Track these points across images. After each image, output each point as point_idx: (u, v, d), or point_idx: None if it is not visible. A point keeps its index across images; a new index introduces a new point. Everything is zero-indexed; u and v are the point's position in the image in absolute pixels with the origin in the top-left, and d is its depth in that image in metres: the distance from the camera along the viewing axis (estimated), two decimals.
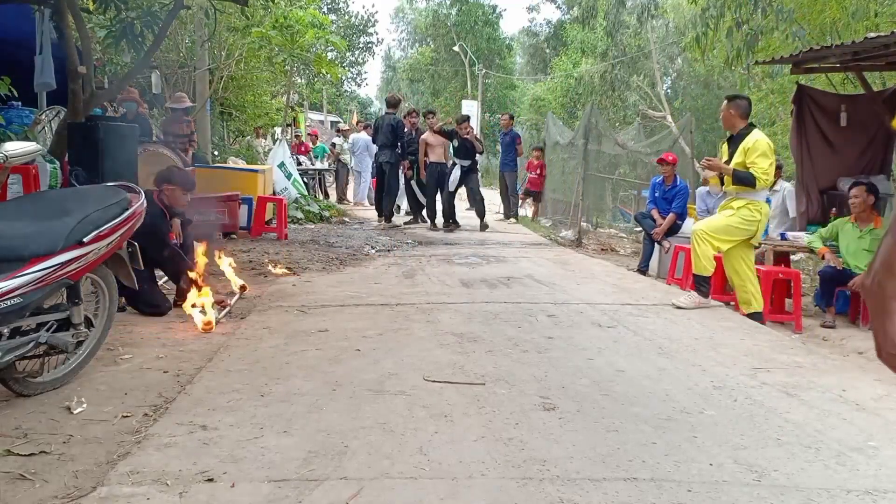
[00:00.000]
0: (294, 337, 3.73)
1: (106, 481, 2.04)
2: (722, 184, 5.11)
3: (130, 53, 7.76)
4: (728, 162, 4.81)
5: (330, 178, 15.14)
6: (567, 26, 29.13)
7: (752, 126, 4.85)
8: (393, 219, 10.17)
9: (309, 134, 16.72)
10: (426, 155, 9.83)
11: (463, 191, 10.12)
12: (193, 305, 4.10)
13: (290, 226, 8.78)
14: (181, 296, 4.47)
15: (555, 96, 25.80)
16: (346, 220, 10.63)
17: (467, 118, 10.12)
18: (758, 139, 4.71)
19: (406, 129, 10.03)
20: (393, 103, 10.02)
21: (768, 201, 5.19)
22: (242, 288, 4.93)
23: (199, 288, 4.17)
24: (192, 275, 4.24)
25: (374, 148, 12.09)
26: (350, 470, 2.14)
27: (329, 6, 23.95)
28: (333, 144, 15.60)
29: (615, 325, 4.24)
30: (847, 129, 7.10)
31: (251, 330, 3.88)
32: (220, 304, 4.52)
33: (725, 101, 5.00)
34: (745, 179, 4.68)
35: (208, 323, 3.91)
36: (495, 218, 11.86)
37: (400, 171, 10.25)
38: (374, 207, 12.43)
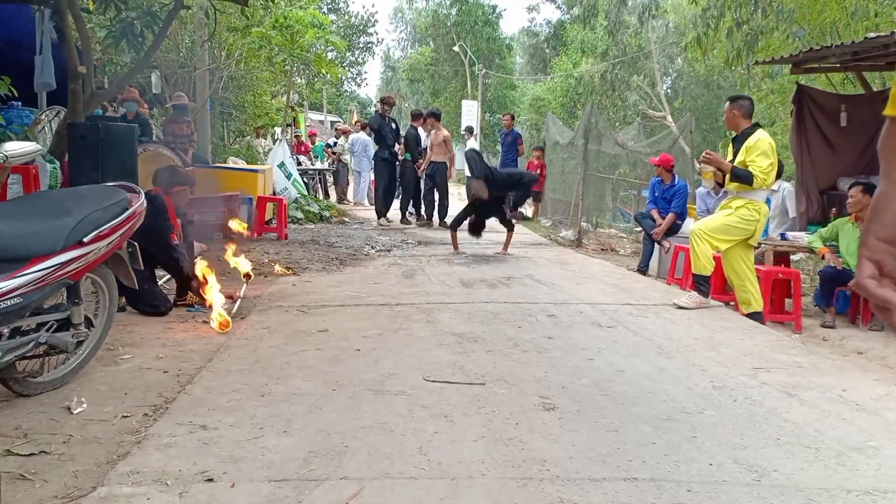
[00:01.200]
0: (294, 337, 3.73)
1: (106, 481, 2.04)
2: (721, 184, 5.12)
3: (130, 53, 7.76)
4: (732, 161, 4.82)
5: (330, 178, 15.17)
6: (567, 26, 29.12)
7: (756, 126, 4.86)
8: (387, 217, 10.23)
9: (309, 134, 16.75)
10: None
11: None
12: (202, 303, 4.15)
13: (290, 226, 8.79)
14: (181, 296, 4.49)
15: (555, 96, 25.79)
16: (346, 220, 10.63)
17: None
18: (760, 138, 4.72)
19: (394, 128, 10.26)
20: (389, 104, 10.54)
21: (768, 202, 5.19)
22: (247, 276, 4.97)
23: (204, 289, 4.20)
24: (198, 275, 4.26)
25: (372, 148, 12.36)
26: (350, 470, 2.14)
27: (329, 6, 23.95)
28: (328, 145, 15.64)
29: (615, 325, 4.24)
30: (847, 129, 7.11)
31: (251, 330, 3.88)
32: (229, 297, 4.55)
33: (728, 102, 4.99)
34: (742, 177, 4.69)
35: (225, 323, 3.93)
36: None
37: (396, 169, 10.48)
38: (363, 206, 12.71)
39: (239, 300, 4.55)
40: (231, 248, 5.12)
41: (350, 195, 14.54)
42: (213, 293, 4.13)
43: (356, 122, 16.68)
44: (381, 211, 10.19)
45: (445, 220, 9.80)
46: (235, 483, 2.04)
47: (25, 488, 2.01)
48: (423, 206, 10.22)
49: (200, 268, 4.29)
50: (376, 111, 10.57)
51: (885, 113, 0.95)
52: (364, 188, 14.18)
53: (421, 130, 10.34)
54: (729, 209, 4.89)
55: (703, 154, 5.04)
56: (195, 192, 7.08)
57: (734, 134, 5.00)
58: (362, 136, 13.90)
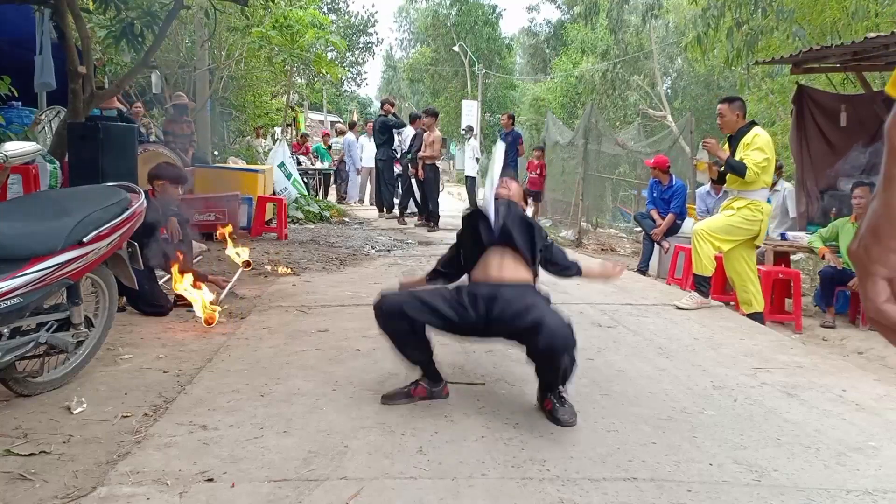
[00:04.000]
0: (294, 337, 3.73)
1: (106, 481, 2.04)
2: (715, 180, 5.10)
3: (130, 53, 7.76)
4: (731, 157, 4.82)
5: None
6: (567, 26, 29.13)
7: (752, 123, 4.85)
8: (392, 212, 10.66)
9: (323, 134, 16.95)
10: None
11: None
12: (184, 302, 4.13)
13: (290, 226, 8.78)
14: (181, 296, 4.49)
15: (555, 96, 25.79)
16: (346, 220, 10.64)
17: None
18: (758, 134, 4.72)
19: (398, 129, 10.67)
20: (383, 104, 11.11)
21: (768, 201, 5.19)
22: (246, 264, 4.99)
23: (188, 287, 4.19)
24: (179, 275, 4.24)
25: (357, 149, 12.97)
26: (350, 470, 2.14)
27: (329, 6, 23.94)
28: (329, 146, 15.73)
29: (615, 325, 4.24)
30: (847, 129, 7.10)
31: (251, 330, 3.88)
32: (216, 283, 4.55)
33: (727, 104, 4.87)
34: (736, 168, 4.65)
35: (209, 319, 3.91)
36: None
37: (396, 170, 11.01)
38: (361, 205, 13.60)
39: (228, 287, 4.57)
40: (229, 240, 5.13)
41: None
42: (192, 293, 4.09)
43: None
44: (379, 208, 11.19)
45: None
46: (235, 483, 2.04)
47: (25, 488, 2.01)
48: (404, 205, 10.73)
49: (175, 273, 4.25)
50: (380, 113, 11.07)
51: (887, 90, 0.83)
52: (353, 188, 14.50)
53: (410, 130, 10.68)
54: (731, 210, 4.87)
55: (703, 141, 4.99)
56: (195, 192, 7.11)
57: (729, 135, 4.96)
58: (348, 137, 14.39)
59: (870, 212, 0.78)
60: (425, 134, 9.79)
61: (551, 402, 2.63)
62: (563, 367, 2.50)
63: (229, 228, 5.25)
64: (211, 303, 4.12)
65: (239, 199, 7.63)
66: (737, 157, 4.71)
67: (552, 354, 2.46)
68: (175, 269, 4.21)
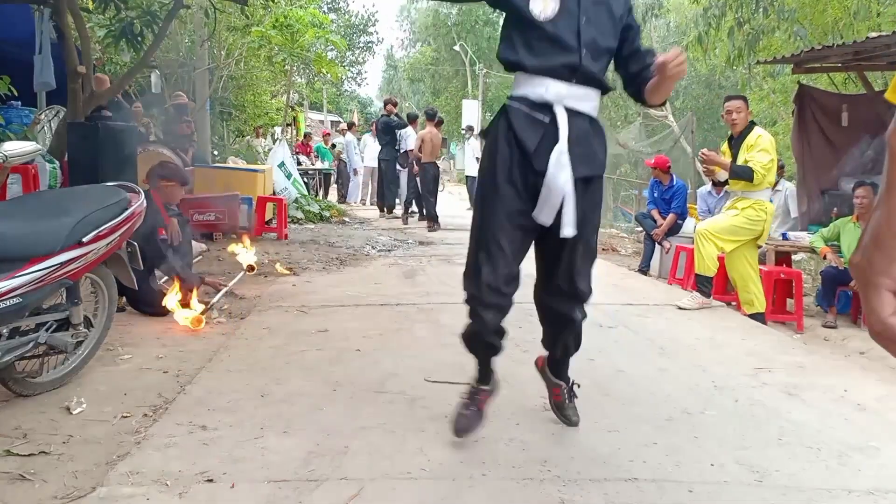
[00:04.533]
0: (294, 337, 3.73)
1: (106, 481, 2.03)
2: (718, 183, 5.11)
3: (130, 53, 7.74)
4: (733, 162, 4.80)
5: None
6: None
7: (752, 124, 4.85)
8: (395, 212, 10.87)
9: (323, 134, 16.98)
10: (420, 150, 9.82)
11: None
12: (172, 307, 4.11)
13: (290, 226, 8.77)
14: (182, 296, 4.48)
15: None
16: (347, 220, 10.64)
17: None
18: (761, 135, 4.72)
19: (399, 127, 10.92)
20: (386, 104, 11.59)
21: (770, 201, 5.18)
22: (250, 268, 5.01)
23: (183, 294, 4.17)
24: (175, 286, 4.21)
25: (354, 150, 13.20)
26: (350, 470, 2.13)
27: (329, 6, 23.91)
28: (333, 145, 15.74)
29: (616, 325, 4.23)
30: (849, 128, 7.09)
31: (251, 330, 3.88)
32: (213, 286, 4.54)
33: (741, 101, 4.88)
34: (742, 174, 4.65)
35: (197, 320, 3.90)
36: None
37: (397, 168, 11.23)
38: (363, 206, 13.81)
39: (224, 290, 4.56)
40: (236, 240, 5.18)
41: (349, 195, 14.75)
42: (176, 301, 4.04)
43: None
44: (380, 208, 11.53)
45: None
46: (235, 483, 2.03)
47: (25, 488, 2.00)
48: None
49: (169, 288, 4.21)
50: (382, 113, 11.31)
51: (887, 97, 0.80)
52: (355, 188, 14.60)
53: (410, 130, 10.85)
54: (735, 210, 4.86)
55: (701, 153, 5.01)
56: (195, 192, 7.10)
57: (730, 135, 4.95)
58: (347, 137, 14.59)
59: (872, 221, 0.76)
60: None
61: (561, 395, 2.51)
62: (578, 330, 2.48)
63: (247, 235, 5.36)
64: (202, 312, 4.07)
65: (239, 199, 7.62)
66: (741, 159, 4.70)
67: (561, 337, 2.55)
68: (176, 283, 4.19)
